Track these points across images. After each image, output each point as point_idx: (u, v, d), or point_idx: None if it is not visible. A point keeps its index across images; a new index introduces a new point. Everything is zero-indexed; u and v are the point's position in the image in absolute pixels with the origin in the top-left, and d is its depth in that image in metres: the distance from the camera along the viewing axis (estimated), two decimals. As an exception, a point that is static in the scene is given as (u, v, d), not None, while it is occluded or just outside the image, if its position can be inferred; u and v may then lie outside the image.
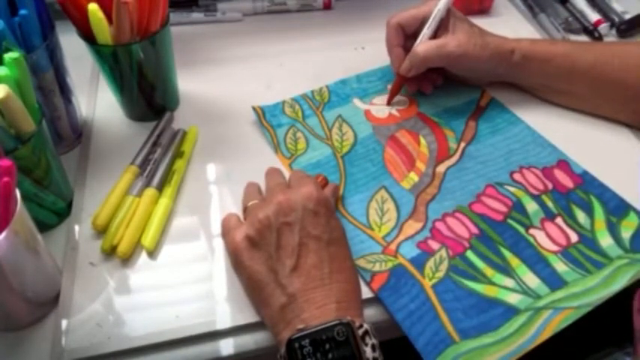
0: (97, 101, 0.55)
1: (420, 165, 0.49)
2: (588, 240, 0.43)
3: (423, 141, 0.51)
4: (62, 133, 0.49)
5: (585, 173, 0.47)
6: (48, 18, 0.44)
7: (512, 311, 0.38)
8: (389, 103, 0.54)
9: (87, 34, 0.45)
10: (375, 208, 0.45)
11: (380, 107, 0.54)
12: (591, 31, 0.63)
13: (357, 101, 0.55)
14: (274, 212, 0.37)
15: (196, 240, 0.43)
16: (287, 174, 0.46)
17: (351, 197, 0.46)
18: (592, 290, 0.39)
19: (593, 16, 0.63)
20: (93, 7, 0.42)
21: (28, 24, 0.42)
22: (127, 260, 0.41)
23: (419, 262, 0.41)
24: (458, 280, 0.40)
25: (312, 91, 0.56)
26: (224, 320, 0.38)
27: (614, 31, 0.63)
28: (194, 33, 0.64)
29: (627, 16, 0.63)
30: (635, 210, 0.44)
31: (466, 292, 0.39)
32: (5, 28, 0.39)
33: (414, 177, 0.48)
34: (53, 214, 0.43)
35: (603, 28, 0.62)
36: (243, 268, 0.37)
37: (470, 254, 0.42)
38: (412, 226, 0.44)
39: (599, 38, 0.62)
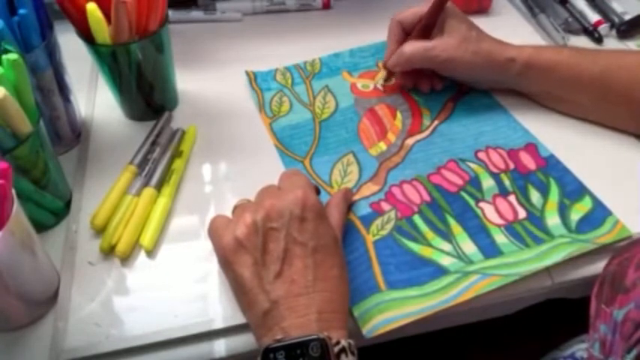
0: (96, 101, 0.55)
1: (391, 136, 0.50)
2: (535, 218, 0.43)
3: (399, 115, 0.52)
4: (61, 133, 0.49)
5: (551, 157, 0.48)
6: (47, 17, 0.44)
7: (441, 271, 0.40)
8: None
9: (86, 34, 0.45)
10: (339, 169, 0.48)
11: (366, 81, 0.56)
12: (591, 32, 0.62)
13: (345, 74, 0.57)
14: (262, 217, 0.35)
15: (195, 239, 0.43)
16: (267, 133, 0.50)
17: (319, 158, 0.49)
18: (524, 262, 0.40)
19: (593, 16, 0.63)
20: (91, 7, 0.43)
21: (27, 23, 0.42)
22: (126, 260, 0.42)
23: (367, 220, 0.43)
24: (399, 239, 0.42)
25: (305, 62, 0.58)
26: (223, 320, 0.38)
27: (614, 32, 0.63)
28: (193, 33, 0.64)
29: (627, 17, 0.63)
30: (591, 195, 0.44)
31: (404, 250, 0.41)
32: (4, 27, 0.39)
33: (382, 146, 0.49)
34: (51, 213, 0.43)
35: (603, 28, 0.62)
36: (229, 270, 0.36)
37: (416, 218, 0.43)
38: (370, 188, 0.46)
39: (599, 39, 0.62)
